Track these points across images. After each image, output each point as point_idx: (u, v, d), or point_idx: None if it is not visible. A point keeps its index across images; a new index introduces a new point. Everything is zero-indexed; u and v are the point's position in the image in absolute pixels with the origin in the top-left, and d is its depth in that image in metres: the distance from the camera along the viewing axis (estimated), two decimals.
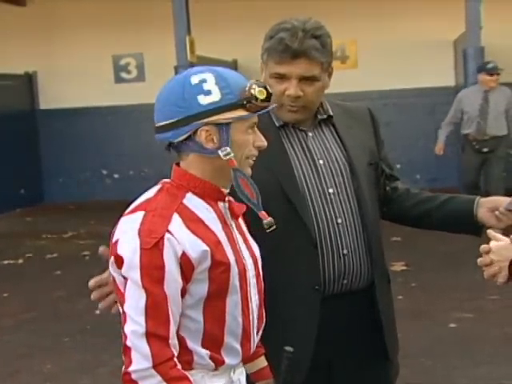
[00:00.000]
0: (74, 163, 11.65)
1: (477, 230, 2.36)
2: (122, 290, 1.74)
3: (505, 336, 4.99)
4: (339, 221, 2.24)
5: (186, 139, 1.78)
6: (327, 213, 2.23)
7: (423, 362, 4.60)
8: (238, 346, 1.85)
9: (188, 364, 1.78)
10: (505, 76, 10.21)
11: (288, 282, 2.18)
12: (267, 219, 1.82)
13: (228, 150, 1.77)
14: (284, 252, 2.17)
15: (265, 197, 1.85)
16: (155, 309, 1.70)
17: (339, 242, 2.24)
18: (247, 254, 1.86)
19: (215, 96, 1.75)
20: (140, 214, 1.75)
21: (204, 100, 1.75)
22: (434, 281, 6.37)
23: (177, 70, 9.34)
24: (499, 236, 2.05)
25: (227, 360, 1.83)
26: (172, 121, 1.78)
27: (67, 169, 11.70)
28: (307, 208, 2.20)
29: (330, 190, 2.25)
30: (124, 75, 11.67)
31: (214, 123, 1.76)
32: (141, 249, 1.69)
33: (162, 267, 1.69)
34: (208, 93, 1.75)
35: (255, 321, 1.88)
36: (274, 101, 1.84)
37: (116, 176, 11.78)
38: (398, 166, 9.35)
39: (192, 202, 1.80)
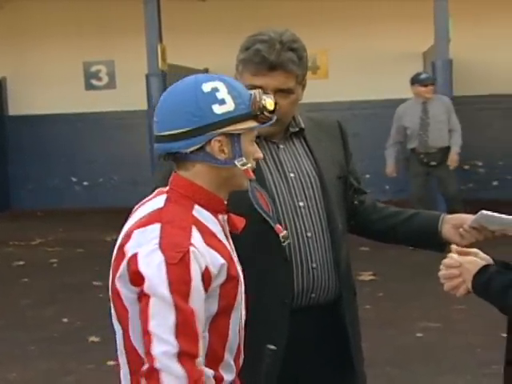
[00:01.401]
0: (42, 170, 11.57)
1: (440, 246, 2.39)
2: (128, 307, 1.68)
3: (469, 345, 5.06)
4: (309, 234, 2.25)
5: (196, 149, 1.72)
6: (297, 226, 2.24)
7: (389, 371, 4.64)
8: (233, 362, 1.81)
9: None
10: (470, 88, 10.39)
11: (258, 295, 2.16)
12: (282, 233, 1.83)
13: (245, 160, 1.75)
14: (255, 265, 2.15)
15: (237, 209, 1.86)
16: (185, 326, 1.61)
17: (308, 256, 2.24)
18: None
19: (229, 106, 1.72)
20: (156, 226, 1.68)
21: (219, 109, 1.71)
22: (401, 290, 6.42)
23: (148, 77, 9.33)
24: (466, 249, 2.09)
25: (225, 377, 1.78)
26: (185, 130, 1.71)
27: (36, 175, 11.61)
28: (278, 221, 2.18)
29: (301, 204, 2.26)
30: (95, 82, 11.62)
31: (226, 133, 1.72)
32: (167, 264, 1.61)
33: (189, 282, 1.62)
34: (222, 102, 1.71)
35: (242, 336, 1.85)
36: None
37: (85, 183, 11.71)
38: (367, 176, 9.45)
39: (201, 214, 1.75)
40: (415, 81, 7.82)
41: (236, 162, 1.74)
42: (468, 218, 2.29)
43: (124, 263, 1.68)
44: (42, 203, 11.45)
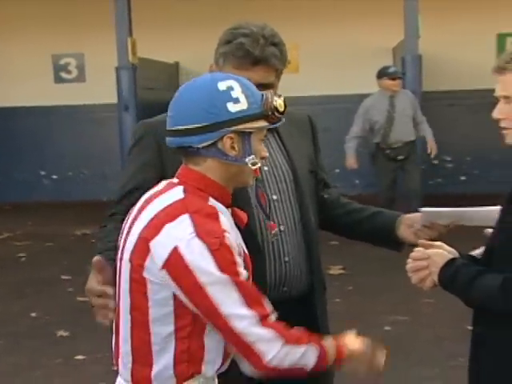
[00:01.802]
0: (11, 163, 11.45)
1: (398, 245, 2.43)
2: (150, 297, 1.73)
3: (437, 338, 5.11)
4: (282, 228, 2.26)
5: (208, 145, 1.78)
6: (271, 219, 2.25)
7: None
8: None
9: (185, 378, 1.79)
10: (439, 84, 10.48)
11: None
12: (274, 230, 1.93)
13: (255, 159, 1.82)
14: None
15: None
16: (250, 295, 1.72)
17: (281, 249, 2.26)
18: None
19: (243, 104, 1.78)
20: (185, 217, 1.72)
21: (233, 108, 1.77)
22: (370, 284, 6.47)
23: (118, 71, 9.28)
24: (430, 243, 2.11)
25: (222, 368, 1.88)
26: (200, 125, 1.77)
27: (4, 169, 11.49)
28: (252, 214, 2.20)
29: (274, 197, 2.27)
30: (64, 75, 11.53)
31: (238, 131, 1.78)
32: (210, 250, 1.69)
33: (234, 261, 1.72)
34: (237, 101, 1.78)
35: None
36: None
37: (54, 177, 11.62)
38: (337, 170, 9.49)
39: (217, 205, 1.81)
40: (383, 74, 7.72)
41: (247, 160, 1.81)
42: (420, 217, 2.33)
43: (153, 256, 1.71)
44: (10, 197, 11.34)
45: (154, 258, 1.72)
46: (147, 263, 1.73)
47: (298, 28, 10.51)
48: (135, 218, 1.84)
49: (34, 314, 5.92)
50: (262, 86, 2.16)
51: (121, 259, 1.87)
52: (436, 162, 10.75)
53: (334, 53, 10.75)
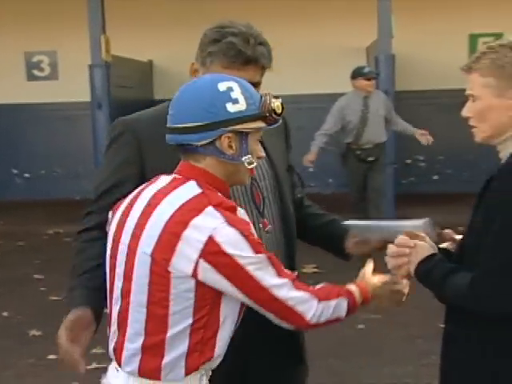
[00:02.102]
0: None
1: (345, 256, 2.48)
2: (175, 284, 1.79)
3: (409, 336, 5.15)
4: (261, 226, 2.27)
5: (207, 143, 1.86)
6: (253, 217, 2.25)
7: (332, 362, 4.69)
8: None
9: (196, 364, 1.87)
10: (412, 84, 10.55)
11: None
12: (267, 227, 2.02)
13: (251, 158, 1.90)
14: None
15: None
16: (278, 266, 1.86)
17: (266, 246, 2.28)
18: None
19: (242, 105, 1.85)
20: (210, 209, 1.80)
21: (232, 108, 1.84)
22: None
23: (91, 68, 9.23)
24: (415, 233, 2.10)
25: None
26: (199, 124, 1.84)
27: None
28: (247, 212, 2.20)
29: None
30: (36, 73, 11.44)
31: (236, 131, 1.86)
32: (244, 235, 1.80)
33: (260, 242, 1.86)
34: (236, 101, 1.85)
35: None
36: None
37: (27, 175, 11.53)
38: (311, 170, 9.50)
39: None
40: (358, 74, 7.64)
41: (243, 159, 1.89)
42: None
43: (183, 250, 1.78)
44: None
45: (184, 251, 1.78)
46: (174, 257, 1.78)
47: (272, 28, 10.45)
48: (143, 216, 1.87)
49: (5, 314, 5.87)
50: (253, 86, 2.18)
51: (130, 257, 1.88)
52: (409, 161, 10.84)
53: (308, 52, 10.78)
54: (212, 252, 1.77)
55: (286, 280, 1.86)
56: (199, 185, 1.87)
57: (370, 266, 2.14)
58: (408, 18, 9.94)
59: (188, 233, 1.77)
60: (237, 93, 1.86)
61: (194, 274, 1.79)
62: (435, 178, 11.04)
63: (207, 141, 1.85)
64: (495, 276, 1.85)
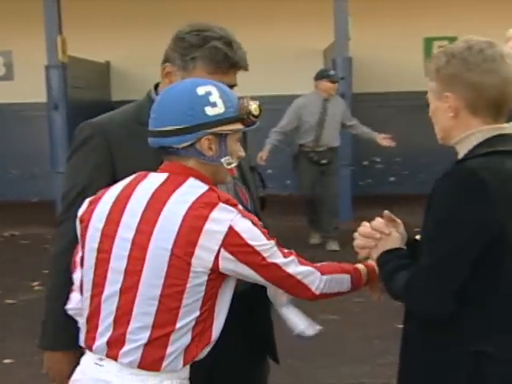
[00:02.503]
0: None
1: None
2: (193, 271, 1.88)
3: (367, 337, 5.19)
4: None
5: (187, 146, 1.95)
6: None
7: (290, 362, 4.70)
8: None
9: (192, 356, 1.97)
10: (369, 86, 10.65)
11: None
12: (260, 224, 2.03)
13: (230, 159, 2.00)
14: None
15: None
16: (282, 248, 2.00)
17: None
18: None
19: (220, 108, 1.95)
20: (222, 204, 1.91)
21: (211, 111, 1.94)
22: None
23: (47, 69, 9.13)
24: (397, 219, 2.10)
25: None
26: (179, 127, 1.93)
27: None
28: None
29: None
30: None
31: (215, 133, 1.95)
32: (255, 225, 1.94)
33: (266, 231, 1.99)
34: (214, 105, 1.95)
35: None
36: None
37: None
38: (269, 171, 9.53)
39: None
40: (323, 76, 7.67)
41: (222, 160, 1.98)
42: None
43: (205, 243, 1.88)
44: None
45: (206, 243, 1.88)
46: (197, 250, 1.88)
47: (230, 30, 10.52)
48: (149, 212, 1.92)
49: None
50: (230, 88, 2.22)
51: (136, 252, 1.92)
52: (366, 163, 10.94)
53: (266, 54, 10.80)
54: (232, 242, 1.89)
55: (292, 257, 2.00)
56: (202, 181, 1.96)
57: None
58: (365, 21, 10.03)
59: (208, 226, 1.88)
60: (215, 97, 1.95)
61: (215, 264, 1.90)
62: (392, 179, 11.15)
63: (188, 143, 1.94)
64: (424, 276, 1.87)
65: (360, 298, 5.74)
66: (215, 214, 1.89)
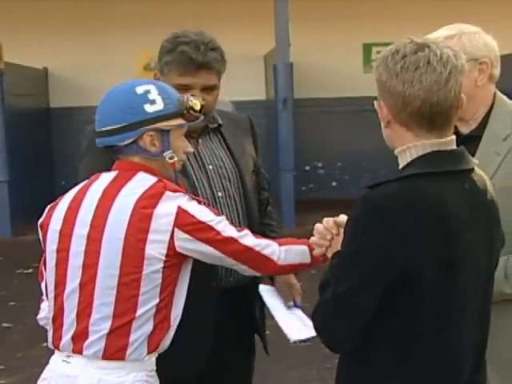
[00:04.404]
0: None
1: (271, 277, 2.59)
2: (148, 255, 1.94)
3: (314, 341, 5.18)
4: None
5: (130, 143, 2.03)
6: None
7: None
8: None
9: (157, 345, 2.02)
10: (310, 91, 10.72)
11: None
12: None
13: (172, 153, 2.06)
14: None
15: None
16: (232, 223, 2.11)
17: None
18: None
19: (159, 105, 2.03)
20: (169, 192, 1.99)
21: (150, 108, 2.02)
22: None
23: None
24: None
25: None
26: (119, 126, 2.01)
27: None
28: None
29: (219, 194, 2.43)
30: None
31: (157, 129, 2.03)
32: (202, 203, 2.04)
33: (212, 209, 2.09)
34: (153, 102, 2.03)
35: None
36: None
37: None
38: None
39: None
40: None
41: (164, 155, 2.04)
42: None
43: (157, 226, 1.95)
44: None
45: (158, 227, 1.95)
46: (150, 235, 1.94)
47: (164, 33, 10.46)
48: (101, 208, 1.99)
49: None
50: (207, 89, 2.38)
51: (92, 246, 1.98)
52: (308, 168, 11.00)
53: None
54: (184, 221, 1.96)
55: (246, 231, 2.07)
56: (151, 174, 2.04)
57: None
58: (305, 27, 10.09)
59: (158, 211, 1.95)
60: (154, 94, 2.02)
61: (171, 246, 1.95)
62: (334, 184, 11.23)
63: (130, 140, 2.02)
64: (330, 310, 1.74)
65: (306, 303, 5.76)
66: (163, 200, 1.97)
